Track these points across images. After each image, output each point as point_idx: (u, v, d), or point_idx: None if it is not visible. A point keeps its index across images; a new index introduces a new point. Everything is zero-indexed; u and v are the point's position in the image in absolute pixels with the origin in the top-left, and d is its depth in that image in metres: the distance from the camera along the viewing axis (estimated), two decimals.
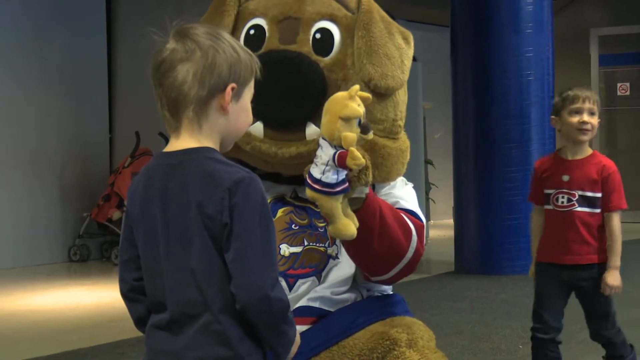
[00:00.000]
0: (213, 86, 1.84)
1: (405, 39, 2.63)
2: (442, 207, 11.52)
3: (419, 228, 2.52)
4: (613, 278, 3.66)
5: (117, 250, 8.75)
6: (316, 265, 2.54)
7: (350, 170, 2.17)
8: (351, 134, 2.13)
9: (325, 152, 2.15)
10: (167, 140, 7.38)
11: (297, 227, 2.53)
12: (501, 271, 7.51)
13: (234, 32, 2.57)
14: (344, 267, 2.54)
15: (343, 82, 2.51)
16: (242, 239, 1.75)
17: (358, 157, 2.12)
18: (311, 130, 2.49)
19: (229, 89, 1.85)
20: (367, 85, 2.49)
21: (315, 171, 2.15)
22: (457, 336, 5.26)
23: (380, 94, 2.52)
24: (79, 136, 9.60)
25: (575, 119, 3.69)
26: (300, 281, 2.52)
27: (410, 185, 2.71)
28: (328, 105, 2.17)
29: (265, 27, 2.57)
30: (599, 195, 3.69)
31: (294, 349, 1.90)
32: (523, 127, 7.67)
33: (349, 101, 2.14)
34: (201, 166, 1.81)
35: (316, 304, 2.49)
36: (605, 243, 3.71)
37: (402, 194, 2.62)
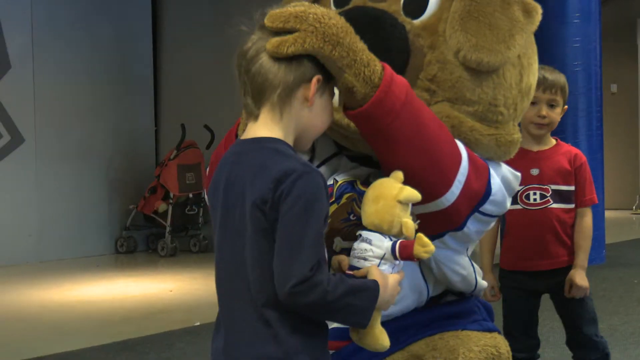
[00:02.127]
0: (299, 75, 1.81)
1: (527, 12, 2.26)
2: None
3: (475, 159, 2.12)
4: (582, 278, 3.24)
5: (163, 242, 8.87)
6: None
7: (416, 260, 1.87)
8: (412, 222, 1.86)
9: (378, 246, 1.87)
10: (212, 133, 7.54)
11: (354, 218, 2.18)
12: None
13: None
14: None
15: (429, 50, 2.17)
16: (280, 231, 1.71)
17: (428, 242, 1.83)
18: None
19: (315, 79, 1.82)
20: (455, 57, 2.15)
21: (363, 265, 1.87)
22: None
23: (472, 69, 2.15)
24: (126, 129, 9.68)
25: (531, 112, 3.20)
26: None
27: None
28: (377, 191, 1.90)
29: None
30: (572, 188, 3.27)
31: (386, 298, 1.79)
32: (570, 118, 7.60)
33: (401, 184, 1.89)
34: (259, 156, 1.78)
35: None
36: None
37: None
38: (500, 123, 2.22)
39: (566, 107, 3.35)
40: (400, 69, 1.99)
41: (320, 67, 1.84)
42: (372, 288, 1.77)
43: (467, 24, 2.13)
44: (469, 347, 2.18)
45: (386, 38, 2.11)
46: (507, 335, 3.25)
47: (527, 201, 3.26)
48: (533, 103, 3.11)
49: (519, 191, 3.23)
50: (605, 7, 8.75)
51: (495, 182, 2.18)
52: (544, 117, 3.24)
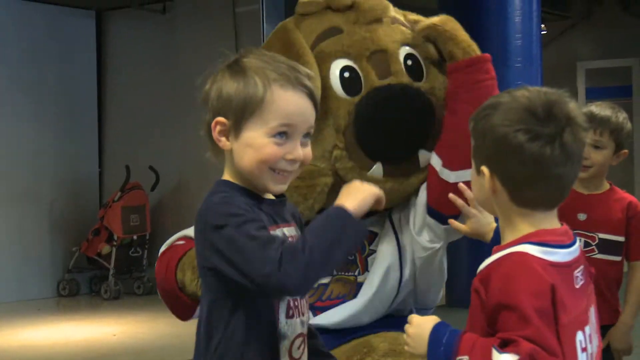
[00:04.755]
0: (208, 118, 1.74)
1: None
2: None
3: None
4: (621, 339, 2.95)
5: (107, 285, 8.76)
6: (344, 296, 2.45)
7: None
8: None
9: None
10: (157, 174, 7.48)
11: None
12: None
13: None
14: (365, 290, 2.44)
15: (438, 103, 2.55)
16: (216, 256, 1.63)
17: None
18: (423, 157, 2.49)
19: (213, 123, 1.72)
20: None
21: None
22: None
23: None
24: (69, 170, 9.59)
25: None
26: None
27: None
28: None
29: (354, 66, 2.50)
30: (622, 239, 2.97)
31: (358, 202, 1.65)
32: None
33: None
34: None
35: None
36: (618, 301, 3.00)
37: None
38: None
39: (626, 151, 3.04)
40: (431, 127, 2.49)
41: (225, 105, 1.71)
42: (333, 214, 1.65)
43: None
44: None
45: (421, 107, 2.51)
46: None
47: None
48: None
49: None
50: (546, 51, 8.92)
51: None
52: (585, 159, 2.78)
